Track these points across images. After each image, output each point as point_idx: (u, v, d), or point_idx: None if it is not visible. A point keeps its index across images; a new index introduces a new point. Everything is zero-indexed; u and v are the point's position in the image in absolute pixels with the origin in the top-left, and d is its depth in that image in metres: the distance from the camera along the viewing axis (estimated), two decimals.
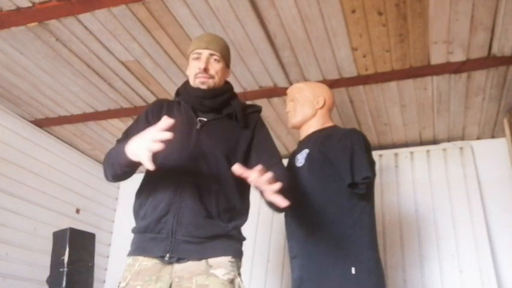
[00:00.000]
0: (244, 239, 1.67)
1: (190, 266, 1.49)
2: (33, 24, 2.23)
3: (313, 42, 2.31)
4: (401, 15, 2.10)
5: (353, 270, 1.65)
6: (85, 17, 2.18)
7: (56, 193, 3.41)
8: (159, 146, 1.28)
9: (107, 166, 1.60)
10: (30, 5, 2.10)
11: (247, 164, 1.59)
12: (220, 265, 1.50)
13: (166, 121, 1.30)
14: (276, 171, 1.42)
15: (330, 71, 2.54)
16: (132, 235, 1.63)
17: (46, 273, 2.75)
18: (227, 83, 1.77)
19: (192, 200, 1.52)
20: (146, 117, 1.71)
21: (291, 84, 2.57)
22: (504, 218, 2.91)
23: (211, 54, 1.66)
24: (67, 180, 3.53)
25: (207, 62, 1.65)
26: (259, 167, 1.31)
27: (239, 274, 1.57)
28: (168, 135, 1.29)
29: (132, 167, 1.50)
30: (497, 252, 2.83)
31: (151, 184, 1.58)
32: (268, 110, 2.96)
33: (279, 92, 2.72)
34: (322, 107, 2.04)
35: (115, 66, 2.60)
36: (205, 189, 1.55)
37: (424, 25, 2.15)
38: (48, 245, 2.83)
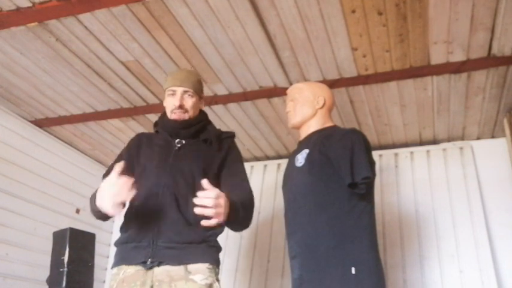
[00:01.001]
0: (220, 248, 1.79)
1: (169, 270, 1.60)
2: (33, 24, 2.23)
3: (313, 42, 2.31)
4: (401, 15, 2.10)
5: (353, 270, 1.65)
6: (85, 17, 2.18)
7: (56, 193, 3.41)
8: (120, 199, 1.50)
9: (91, 210, 1.78)
10: (30, 5, 2.10)
11: (218, 181, 1.80)
12: (199, 271, 1.62)
13: (116, 168, 1.53)
14: (240, 189, 1.76)
15: (330, 71, 2.54)
16: None
17: (46, 273, 2.74)
18: (202, 113, 1.97)
19: (172, 210, 1.67)
20: (128, 151, 1.93)
21: (291, 84, 2.57)
22: (504, 218, 2.91)
23: (185, 91, 1.85)
24: (67, 180, 3.53)
25: (181, 98, 1.84)
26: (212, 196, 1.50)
27: (217, 279, 1.69)
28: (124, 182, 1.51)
29: (105, 214, 1.63)
30: (497, 252, 2.83)
31: (134, 201, 1.68)
32: (268, 110, 2.96)
33: (279, 92, 2.72)
34: (322, 107, 2.04)
35: (115, 66, 2.60)
36: (183, 200, 1.69)
37: (424, 25, 2.15)
38: (48, 245, 2.83)
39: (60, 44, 2.41)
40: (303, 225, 1.82)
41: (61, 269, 2.61)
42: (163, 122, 1.92)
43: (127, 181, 1.53)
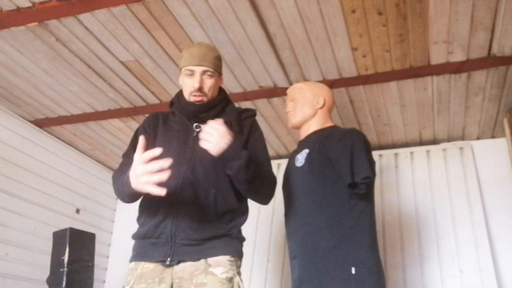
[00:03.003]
0: (244, 239, 1.71)
1: (189, 266, 1.53)
2: (33, 24, 2.23)
3: (313, 42, 2.31)
4: (401, 15, 2.10)
5: (353, 270, 1.65)
6: (85, 17, 2.18)
7: (56, 193, 3.41)
8: (157, 179, 1.37)
9: (117, 193, 1.66)
10: (30, 5, 2.10)
11: None
12: (219, 264, 1.53)
13: (153, 151, 1.39)
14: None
15: (330, 71, 2.54)
16: (131, 240, 1.68)
17: (46, 273, 2.75)
18: (221, 91, 1.82)
19: (190, 204, 1.57)
20: (144, 131, 1.77)
21: (291, 84, 2.57)
22: (504, 218, 2.91)
23: (205, 71, 1.68)
24: (67, 180, 3.53)
25: (201, 80, 1.68)
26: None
27: (238, 273, 1.60)
28: (160, 163, 1.37)
29: (140, 194, 1.55)
30: (497, 252, 2.83)
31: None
32: (268, 110, 2.96)
33: (279, 92, 2.72)
34: (322, 107, 2.04)
35: (115, 66, 2.60)
36: (203, 193, 1.59)
37: (424, 25, 2.15)
38: (48, 245, 2.83)
39: (60, 44, 2.41)
40: (303, 225, 1.82)
41: (61, 269, 2.61)
42: (180, 104, 1.77)
43: (161, 162, 1.38)
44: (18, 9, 2.14)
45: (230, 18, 2.16)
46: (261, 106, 2.91)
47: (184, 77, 1.72)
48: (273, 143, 3.43)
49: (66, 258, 2.62)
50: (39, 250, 3.13)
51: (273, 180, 1.72)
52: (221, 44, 2.35)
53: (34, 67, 2.63)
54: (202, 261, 1.53)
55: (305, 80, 2.60)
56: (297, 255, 1.82)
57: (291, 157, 2.04)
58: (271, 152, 3.58)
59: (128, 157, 1.65)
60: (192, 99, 1.70)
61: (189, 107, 1.72)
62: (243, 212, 1.72)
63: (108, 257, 3.83)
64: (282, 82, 2.66)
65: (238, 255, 1.63)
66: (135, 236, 1.66)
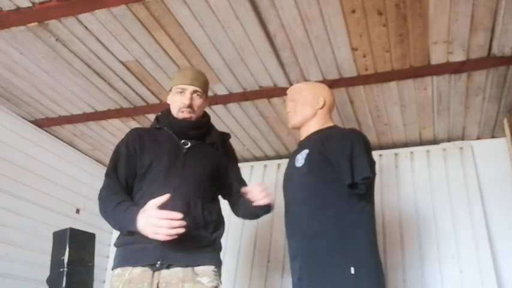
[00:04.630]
0: (221, 249, 1.86)
1: (177, 272, 1.61)
2: (33, 24, 2.23)
3: (313, 42, 2.31)
4: (401, 15, 2.10)
5: (352, 270, 1.65)
6: (85, 17, 2.18)
7: (56, 193, 3.41)
8: (166, 232, 1.50)
9: (108, 220, 1.70)
10: (30, 5, 2.10)
11: (226, 181, 1.94)
12: (205, 273, 1.66)
13: (162, 199, 1.54)
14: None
15: (330, 71, 2.54)
16: None
17: (46, 273, 2.74)
18: (206, 114, 2.00)
19: (182, 213, 1.61)
20: (127, 149, 1.83)
21: (291, 84, 2.57)
22: (504, 218, 2.90)
23: (195, 91, 1.85)
24: (67, 180, 3.53)
25: (191, 98, 1.84)
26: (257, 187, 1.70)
27: (220, 282, 1.75)
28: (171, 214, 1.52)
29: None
30: (497, 252, 2.83)
31: (142, 202, 1.63)
32: (268, 110, 2.96)
33: (279, 92, 2.72)
34: (322, 107, 2.04)
35: (115, 66, 2.60)
36: (192, 204, 1.71)
37: (424, 25, 2.15)
38: (48, 245, 2.82)
39: (60, 44, 2.41)
40: (303, 225, 1.82)
41: (61, 269, 2.61)
42: (169, 120, 1.88)
43: (175, 219, 1.51)
44: (18, 9, 2.14)
45: (230, 18, 2.16)
46: (261, 106, 2.91)
47: (175, 95, 1.86)
48: (273, 143, 3.43)
49: (66, 258, 2.62)
50: (39, 250, 3.12)
51: None
52: (221, 44, 2.35)
53: (34, 67, 2.63)
54: (189, 269, 1.63)
55: (305, 80, 2.60)
56: (297, 255, 1.82)
57: (291, 157, 2.05)
58: (271, 152, 3.58)
59: (112, 178, 1.73)
60: (181, 115, 1.83)
61: (180, 123, 1.85)
62: (222, 224, 1.85)
63: (108, 257, 3.83)
64: (282, 82, 2.66)
65: (219, 265, 1.78)
66: (120, 243, 1.72)
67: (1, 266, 2.89)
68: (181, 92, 1.84)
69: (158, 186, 1.69)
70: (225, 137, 2.00)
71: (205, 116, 1.97)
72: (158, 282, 1.60)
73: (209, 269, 1.68)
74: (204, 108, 1.94)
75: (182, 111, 1.83)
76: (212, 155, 1.89)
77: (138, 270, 1.61)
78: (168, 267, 1.62)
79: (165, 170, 1.74)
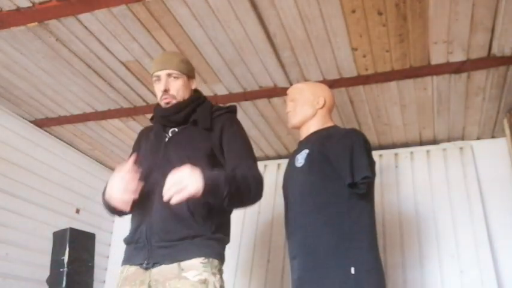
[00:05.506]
0: (224, 238, 1.67)
1: (163, 270, 1.56)
2: (33, 24, 2.23)
3: (313, 42, 2.31)
4: (401, 15, 2.10)
5: (352, 270, 1.65)
6: (85, 17, 2.18)
7: (56, 193, 3.41)
8: (127, 195, 1.49)
9: (104, 205, 1.71)
10: (30, 5, 2.10)
11: (216, 161, 1.68)
12: (192, 267, 1.54)
13: (126, 163, 1.50)
14: (239, 169, 1.58)
15: (330, 71, 2.54)
16: None
17: (46, 273, 2.75)
18: (195, 92, 1.84)
19: (161, 207, 1.57)
20: (133, 149, 1.88)
21: (291, 84, 2.57)
22: (504, 218, 2.90)
23: (169, 74, 1.72)
24: (67, 180, 3.53)
25: (166, 82, 1.71)
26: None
27: (214, 274, 1.56)
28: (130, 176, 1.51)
29: (121, 211, 1.62)
30: (497, 252, 2.83)
31: (137, 200, 1.63)
32: (268, 110, 2.96)
33: (279, 92, 2.72)
34: (322, 107, 2.04)
35: (115, 66, 2.60)
36: None
37: (424, 25, 2.15)
38: (48, 245, 2.83)
39: (60, 44, 2.41)
40: (303, 225, 1.82)
41: (61, 269, 2.61)
42: (155, 112, 1.82)
43: (133, 177, 1.49)
44: (18, 9, 2.14)
45: (230, 18, 2.16)
46: (261, 106, 2.91)
47: (155, 85, 1.77)
48: (273, 143, 3.43)
49: (66, 258, 2.62)
50: (39, 250, 3.12)
51: (258, 181, 1.64)
52: (221, 44, 2.35)
53: (34, 67, 2.63)
54: (175, 265, 1.54)
55: (305, 80, 2.60)
56: (297, 255, 1.82)
57: (291, 157, 2.05)
58: (271, 152, 3.58)
59: None
60: (163, 103, 1.74)
61: (160, 112, 1.77)
62: (221, 210, 1.64)
63: (108, 257, 3.83)
64: (282, 82, 2.66)
65: (213, 255, 1.58)
66: (124, 241, 1.74)
67: (1, 266, 2.89)
68: (157, 80, 1.74)
69: (144, 182, 1.60)
70: (218, 111, 1.78)
71: (192, 96, 1.79)
72: (150, 281, 1.57)
73: (197, 261, 1.54)
74: (189, 88, 1.78)
75: (162, 99, 1.72)
76: (197, 135, 1.71)
77: (132, 269, 1.63)
78: (154, 265, 1.57)
79: (148, 164, 1.67)
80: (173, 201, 1.41)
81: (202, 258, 1.56)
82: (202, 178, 1.42)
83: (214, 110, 1.80)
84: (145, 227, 1.61)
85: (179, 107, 1.74)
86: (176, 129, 1.75)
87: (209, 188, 1.43)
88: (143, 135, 1.90)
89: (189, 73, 1.80)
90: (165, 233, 1.58)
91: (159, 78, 1.74)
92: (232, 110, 1.84)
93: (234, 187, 1.50)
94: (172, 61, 1.74)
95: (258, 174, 1.66)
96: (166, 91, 1.71)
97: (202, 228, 1.59)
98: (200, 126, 1.73)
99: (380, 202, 3.11)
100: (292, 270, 1.85)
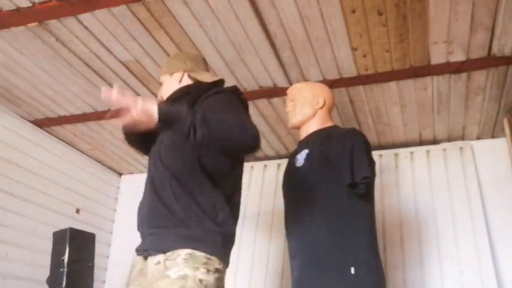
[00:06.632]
0: (219, 230, 1.48)
1: (151, 263, 1.48)
2: (33, 24, 2.23)
3: (313, 42, 2.31)
4: (401, 15, 2.10)
5: (352, 270, 1.65)
6: (85, 17, 2.18)
7: (56, 193, 3.41)
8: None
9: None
10: (30, 5, 2.10)
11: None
12: (174, 264, 1.41)
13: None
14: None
15: (330, 71, 2.54)
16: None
17: (46, 273, 2.74)
18: (182, 84, 1.77)
19: (148, 193, 1.60)
20: None
21: (291, 84, 2.57)
22: (504, 218, 2.90)
23: (161, 84, 1.85)
24: (67, 180, 3.53)
25: (160, 91, 1.84)
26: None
27: (197, 268, 1.39)
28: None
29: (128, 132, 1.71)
30: (497, 252, 2.83)
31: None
32: (268, 110, 2.96)
33: (279, 92, 2.72)
34: (322, 107, 2.04)
35: (115, 66, 2.60)
36: (158, 181, 1.57)
37: (424, 25, 2.15)
38: (48, 245, 2.83)
39: (60, 44, 2.41)
40: (303, 225, 1.82)
41: (61, 269, 2.61)
42: None
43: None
44: (18, 9, 2.14)
45: (230, 18, 2.16)
46: (261, 106, 2.91)
47: None
48: (273, 143, 3.43)
49: (66, 258, 2.62)
50: (39, 250, 3.12)
51: (244, 123, 1.45)
52: (221, 44, 2.35)
53: (34, 67, 2.63)
54: (161, 265, 1.43)
55: (305, 80, 2.60)
56: (297, 255, 1.82)
57: (291, 157, 2.05)
58: (271, 152, 3.58)
59: None
60: None
61: None
62: (211, 195, 1.51)
63: (108, 257, 3.83)
64: (282, 82, 2.66)
65: (203, 248, 1.41)
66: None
67: (1, 266, 2.89)
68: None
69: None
70: (211, 90, 1.66)
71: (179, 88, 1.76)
72: (148, 269, 1.52)
73: (181, 255, 1.40)
74: (174, 84, 1.77)
75: None
76: None
77: (137, 257, 1.63)
78: (144, 253, 1.53)
79: (150, 162, 1.72)
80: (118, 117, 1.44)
81: (188, 249, 1.41)
82: (158, 104, 1.42)
83: (208, 89, 1.69)
84: (140, 216, 1.62)
85: (167, 99, 1.75)
86: None
87: (165, 112, 1.38)
88: None
89: (171, 69, 1.81)
90: (149, 220, 1.55)
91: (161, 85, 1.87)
92: (229, 90, 1.68)
93: (200, 117, 1.36)
94: (164, 68, 1.86)
95: (233, 123, 1.44)
96: (161, 97, 1.82)
97: (182, 215, 1.47)
98: (172, 101, 1.68)
99: (380, 202, 3.11)
100: (292, 270, 1.85)
